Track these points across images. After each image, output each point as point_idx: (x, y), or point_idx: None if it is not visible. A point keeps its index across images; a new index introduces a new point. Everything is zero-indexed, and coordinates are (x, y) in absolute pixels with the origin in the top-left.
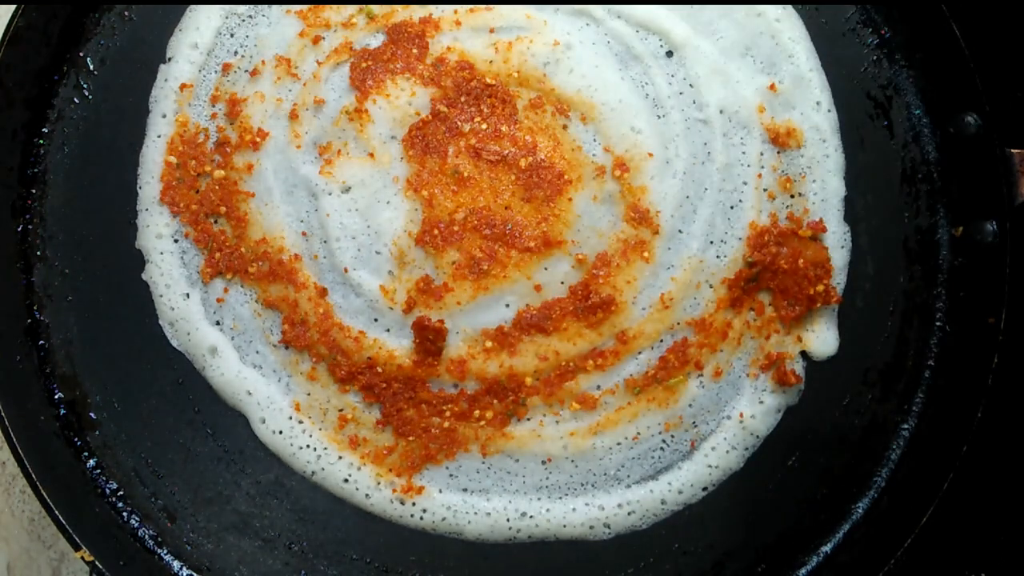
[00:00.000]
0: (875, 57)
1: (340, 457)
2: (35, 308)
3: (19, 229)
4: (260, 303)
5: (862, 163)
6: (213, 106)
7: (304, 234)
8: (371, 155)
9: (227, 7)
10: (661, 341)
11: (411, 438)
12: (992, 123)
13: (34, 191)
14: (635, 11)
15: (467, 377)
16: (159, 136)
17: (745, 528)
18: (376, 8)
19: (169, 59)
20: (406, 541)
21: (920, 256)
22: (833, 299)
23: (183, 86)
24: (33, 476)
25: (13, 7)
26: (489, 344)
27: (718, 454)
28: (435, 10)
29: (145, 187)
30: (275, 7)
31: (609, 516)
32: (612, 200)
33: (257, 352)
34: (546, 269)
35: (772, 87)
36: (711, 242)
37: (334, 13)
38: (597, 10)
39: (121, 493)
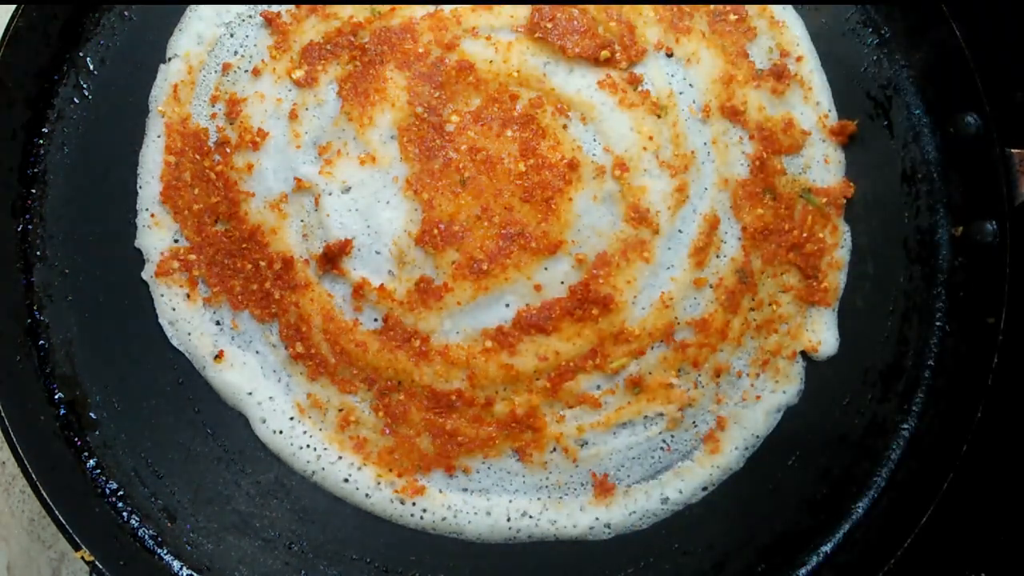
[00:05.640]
0: (875, 57)
1: (340, 457)
2: (35, 308)
3: (19, 229)
4: (260, 303)
5: (862, 163)
6: (213, 106)
7: (304, 234)
8: (371, 155)
9: (227, 7)
10: (661, 341)
11: (412, 438)
12: (992, 123)
13: (34, 191)
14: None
15: (467, 377)
16: (159, 136)
17: (745, 528)
18: (377, 7)
19: (169, 59)
20: (406, 541)
21: (920, 256)
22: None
23: (182, 85)
24: (33, 476)
25: (13, 7)
26: (489, 344)
27: (718, 454)
28: (435, 9)
29: (145, 187)
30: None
31: (609, 516)
32: (612, 200)
33: (257, 352)
34: (546, 269)
35: (772, 87)
36: (711, 242)
37: (335, 13)
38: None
39: (121, 493)
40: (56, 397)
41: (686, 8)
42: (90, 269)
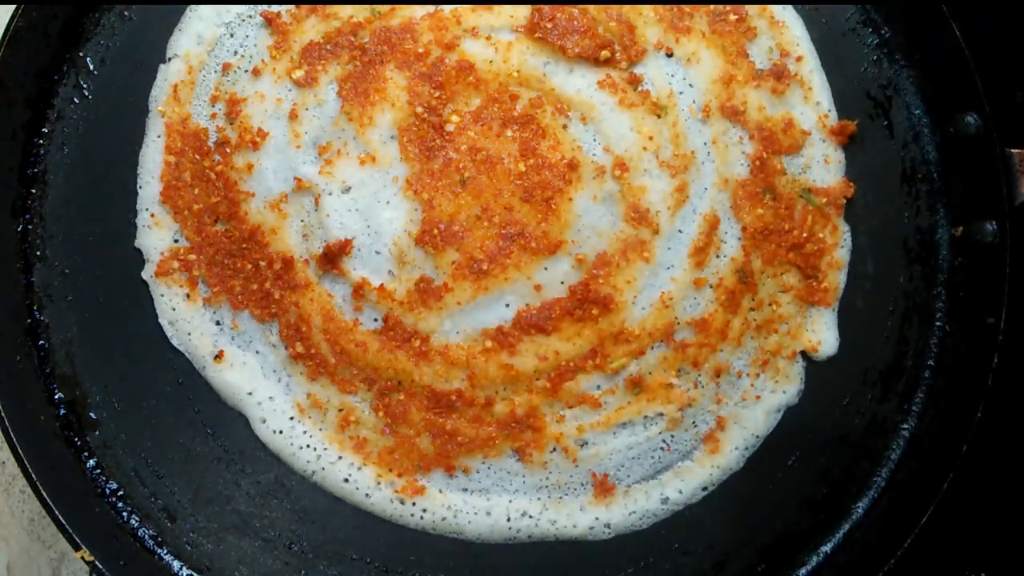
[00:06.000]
0: (875, 57)
1: (340, 457)
2: (35, 308)
3: (19, 229)
4: (260, 303)
5: (862, 163)
6: (213, 106)
7: (304, 234)
8: (371, 155)
9: (227, 7)
10: (661, 341)
11: (412, 438)
12: (992, 123)
13: (34, 191)
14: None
15: (467, 377)
16: (159, 136)
17: (745, 528)
18: (377, 7)
19: (169, 59)
20: (406, 541)
21: (920, 256)
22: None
23: (182, 85)
24: (33, 476)
25: (13, 7)
26: (489, 344)
27: (718, 454)
28: (435, 9)
29: (145, 187)
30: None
31: (609, 516)
32: (612, 200)
33: (257, 352)
34: (546, 269)
35: (772, 87)
36: (711, 242)
37: (335, 13)
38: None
39: (121, 493)
40: (56, 397)
41: (686, 8)
42: (90, 269)
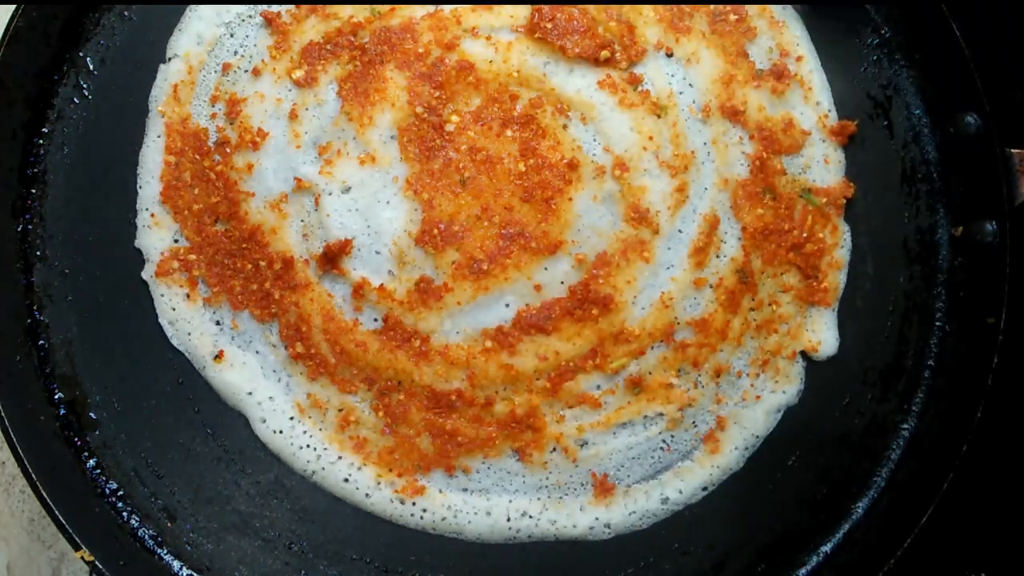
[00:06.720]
0: (875, 57)
1: (340, 457)
2: (35, 308)
3: (19, 229)
4: (260, 303)
5: (862, 163)
6: (213, 106)
7: (304, 234)
8: (371, 155)
9: (227, 7)
10: (661, 341)
11: (412, 438)
12: (992, 123)
13: (34, 191)
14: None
15: (467, 377)
16: (159, 136)
17: (745, 528)
18: (377, 7)
19: (169, 59)
20: (406, 541)
21: (920, 256)
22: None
23: (182, 85)
24: (33, 476)
25: (13, 7)
26: (489, 344)
27: (718, 454)
28: (435, 9)
29: (145, 187)
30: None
31: (609, 516)
32: (612, 200)
33: (257, 352)
34: (546, 269)
35: (772, 87)
36: (711, 242)
37: (335, 13)
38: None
39: (121, 493)
40: (56, 397)
41: (686, 8)
42: (90, 269)
